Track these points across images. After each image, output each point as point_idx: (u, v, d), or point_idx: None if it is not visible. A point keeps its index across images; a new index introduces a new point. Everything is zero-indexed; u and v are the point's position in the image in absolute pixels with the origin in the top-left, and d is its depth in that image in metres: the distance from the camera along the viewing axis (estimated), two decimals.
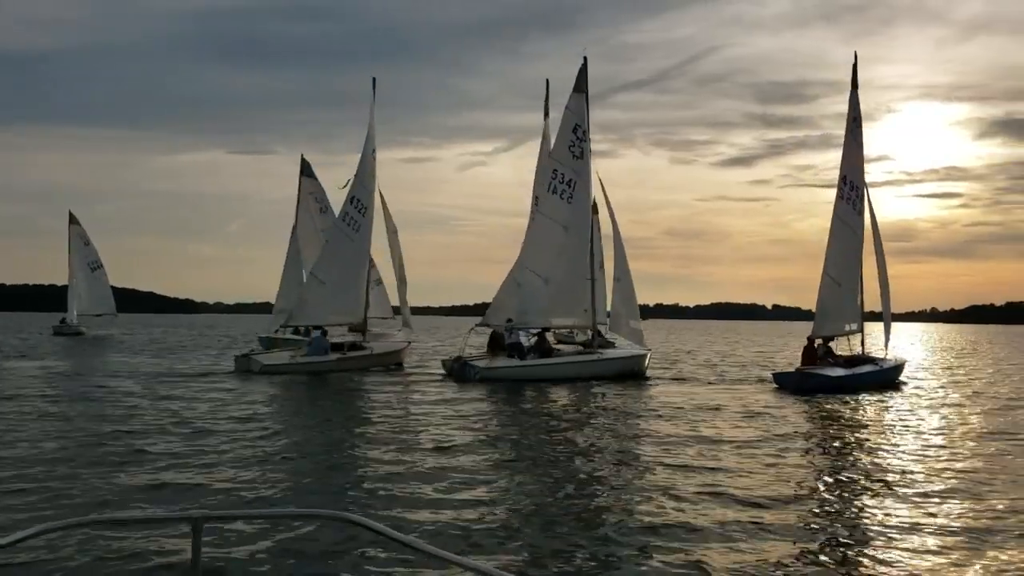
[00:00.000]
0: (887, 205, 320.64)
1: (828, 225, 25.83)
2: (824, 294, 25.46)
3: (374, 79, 31.19)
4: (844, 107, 26.89)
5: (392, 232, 31.77)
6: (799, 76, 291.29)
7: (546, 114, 31.23)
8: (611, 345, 30.45)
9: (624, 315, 28.38)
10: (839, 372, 24.23)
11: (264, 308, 66.66)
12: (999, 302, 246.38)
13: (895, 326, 27.15)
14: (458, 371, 25.01)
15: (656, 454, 12.90)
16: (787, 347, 57.47)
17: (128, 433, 14.27)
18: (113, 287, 61.43)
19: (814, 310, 25.64)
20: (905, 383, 26.48)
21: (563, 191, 26.89)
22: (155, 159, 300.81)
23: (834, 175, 26.74)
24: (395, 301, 34.59)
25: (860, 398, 22.09)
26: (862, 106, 27.03)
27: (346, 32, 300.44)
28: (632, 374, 26.52)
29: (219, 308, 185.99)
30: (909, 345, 61.60)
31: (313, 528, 7.73)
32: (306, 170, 41.36)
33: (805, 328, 27.18)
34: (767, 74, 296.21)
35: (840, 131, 26.83)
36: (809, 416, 18.58)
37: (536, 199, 28.58)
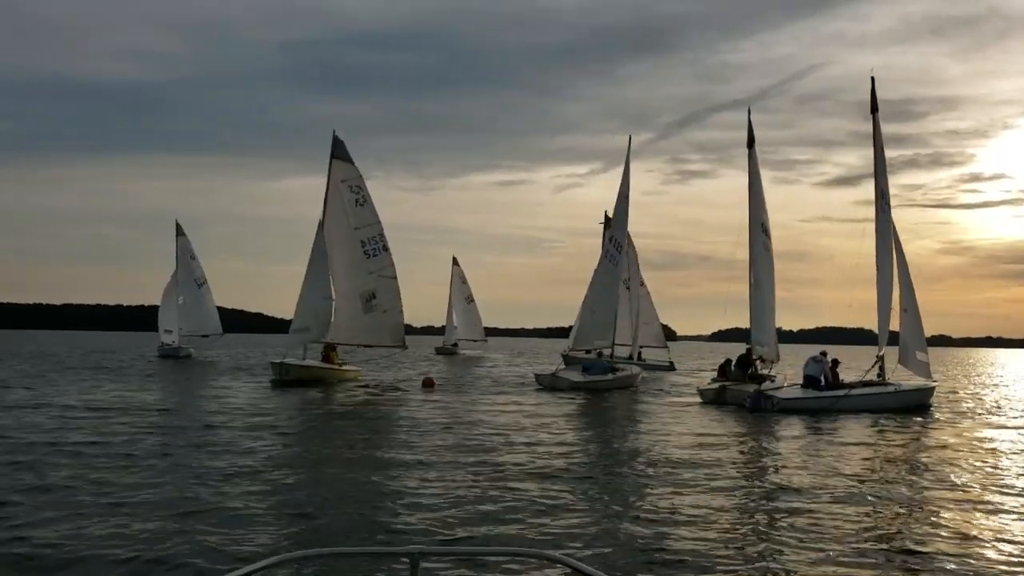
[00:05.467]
0: (1004, 225, 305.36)
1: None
2: None
3: (630, 137, 35.84)
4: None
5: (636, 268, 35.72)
6: (906, 93, 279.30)
7: (751, 143, 29.75)
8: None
9: (911, 347, 27.16)
10: None
11: None
12: None
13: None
14: (752, 401, 24.62)
15: None
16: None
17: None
18: (222, 308, 58.08)
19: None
20: None
21: (884, 208, 26.99)
22: (259, 184, 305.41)
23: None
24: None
25: None
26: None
27: (440, 58, 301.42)
28: (922, 407, 26.18)
29: None
30: None
31: (532, 569, 7.32)
32: (338, 151, 34.09)
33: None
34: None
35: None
36: None
37: (763, 228, 28.75)
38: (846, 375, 27.00)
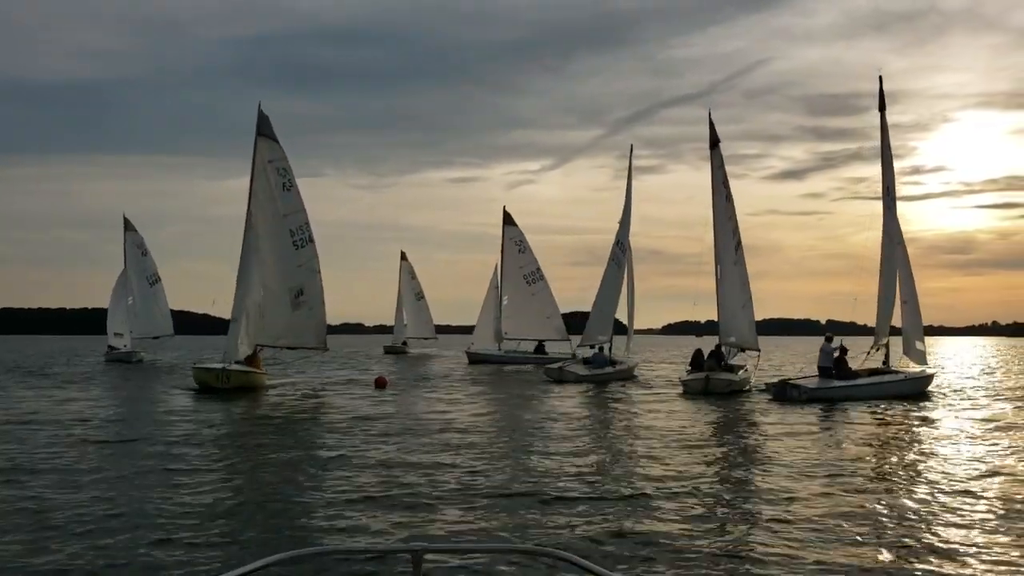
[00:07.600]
0: (944, 216, 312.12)
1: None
2: None
3: (632, 146, 36.54)
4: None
5: (631, 268, 37.19)
6: (851, 87, 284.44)
7: (715, 143, 30.27)
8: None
9: (912, 336, 28.76)
10: None
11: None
12: None
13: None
14: (777, 391, 26.26)
15: None
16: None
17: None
18: (171, 310, 54.82)
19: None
20: None
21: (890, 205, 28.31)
22: (208, 184, 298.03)
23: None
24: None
25: None
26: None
27: (392, 55, 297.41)
28: (924, 393, 27.70)
29: None
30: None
31: (534, 566, 7.41)
32: (263, 127, 29.93)
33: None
34: (817, 86, 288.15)
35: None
36: None
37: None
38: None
